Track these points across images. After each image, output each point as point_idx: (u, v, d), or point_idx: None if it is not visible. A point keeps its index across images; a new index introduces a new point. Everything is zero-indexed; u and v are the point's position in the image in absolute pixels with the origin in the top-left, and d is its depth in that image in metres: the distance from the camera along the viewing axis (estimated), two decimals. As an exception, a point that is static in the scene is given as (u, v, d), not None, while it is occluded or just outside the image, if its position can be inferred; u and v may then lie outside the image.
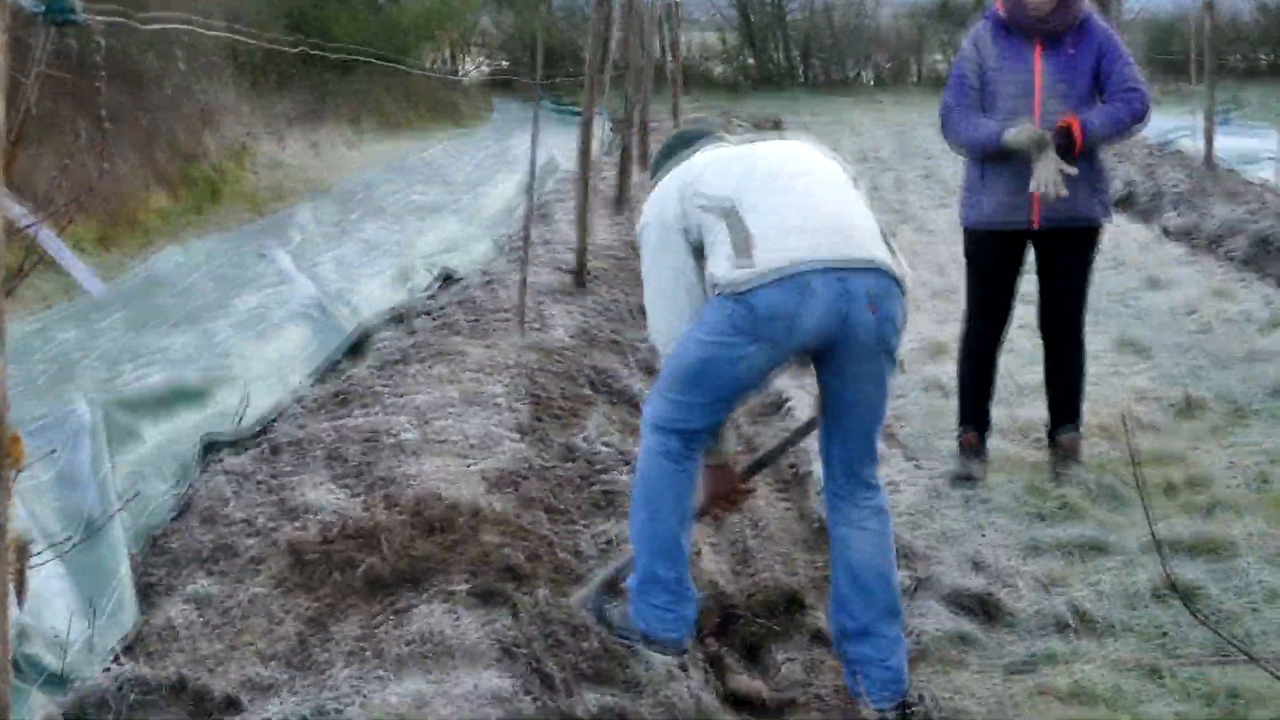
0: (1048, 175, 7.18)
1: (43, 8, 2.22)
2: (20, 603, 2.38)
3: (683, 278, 5.22)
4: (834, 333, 4.99)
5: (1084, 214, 7.56)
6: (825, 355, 5.11)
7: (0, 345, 2.16)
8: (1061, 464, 7.83)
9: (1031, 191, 7.29)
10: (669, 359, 5.21)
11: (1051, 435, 8.03)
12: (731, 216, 5.06)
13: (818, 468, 7.63)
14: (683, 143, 5.74)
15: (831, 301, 4.93)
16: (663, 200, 5.35)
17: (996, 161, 7.47)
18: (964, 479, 7.65)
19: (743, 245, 4.98)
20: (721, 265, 4.99)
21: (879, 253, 5.09)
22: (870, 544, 5.27)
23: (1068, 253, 7.68)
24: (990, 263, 7.79)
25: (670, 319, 5.25)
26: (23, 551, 2.44)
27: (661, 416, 5.17)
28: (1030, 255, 7.82)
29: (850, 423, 5.26)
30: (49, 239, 2.46)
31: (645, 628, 5.19)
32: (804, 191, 5.18)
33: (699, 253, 5.21)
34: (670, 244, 5.25)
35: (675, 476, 5.19)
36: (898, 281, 5.09)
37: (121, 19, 2.47)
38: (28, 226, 2.38)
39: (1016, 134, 7.24)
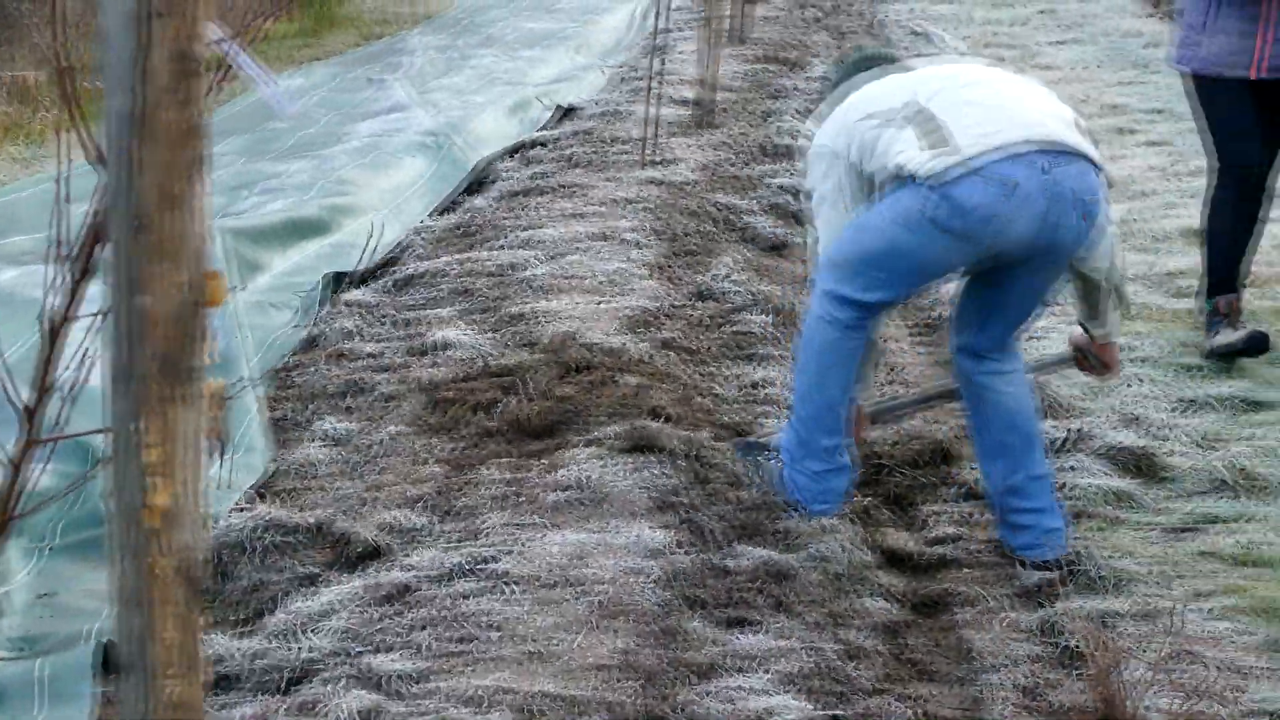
0: None
1: None
2: (220, 454, 2.27)
3: (847, 206, 5.07)
4: (1040, 243, 4.83)
5: None
6: (1015, 252, 4.91)
7: (201, 174, 2.02)
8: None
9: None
10: (849, 229, 5.01)
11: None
12: (918, 118, 4.85)
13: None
14: (861, 64, 5.54)
15: (1044, 208, 4.75)
16: (827, 133, 5.19)
17: (1231, 3, 6.88)
18: (1228, 351, 7.06)
19: (938, 137, 4.77)
20: (913, 153, 4.77)
21: (1085, 143, 4.91)
22: (1021, 391, 5.20)
23: None
24: (1222, 105, 7.10)
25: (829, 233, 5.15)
26: (219, 397, 2.31)
27: (838, 284, 4.98)
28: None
29: (1019, 309, 5.18)
30: (241, 58, 2.32)
31: (797, 494, 5.10)
32: (996, 87, 5.07)
33: (865, 180, 5.03)
34: (833, 175, 5.09)
35: (845, 345, 5.04)
36: (1098, 173, 4.92)
37: None
38: (221, 45, 2.21)
39: None
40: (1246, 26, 6.85)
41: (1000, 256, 4.90)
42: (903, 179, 4.81)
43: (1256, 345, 7.00)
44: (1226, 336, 7.06)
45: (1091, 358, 5.52)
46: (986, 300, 5.15)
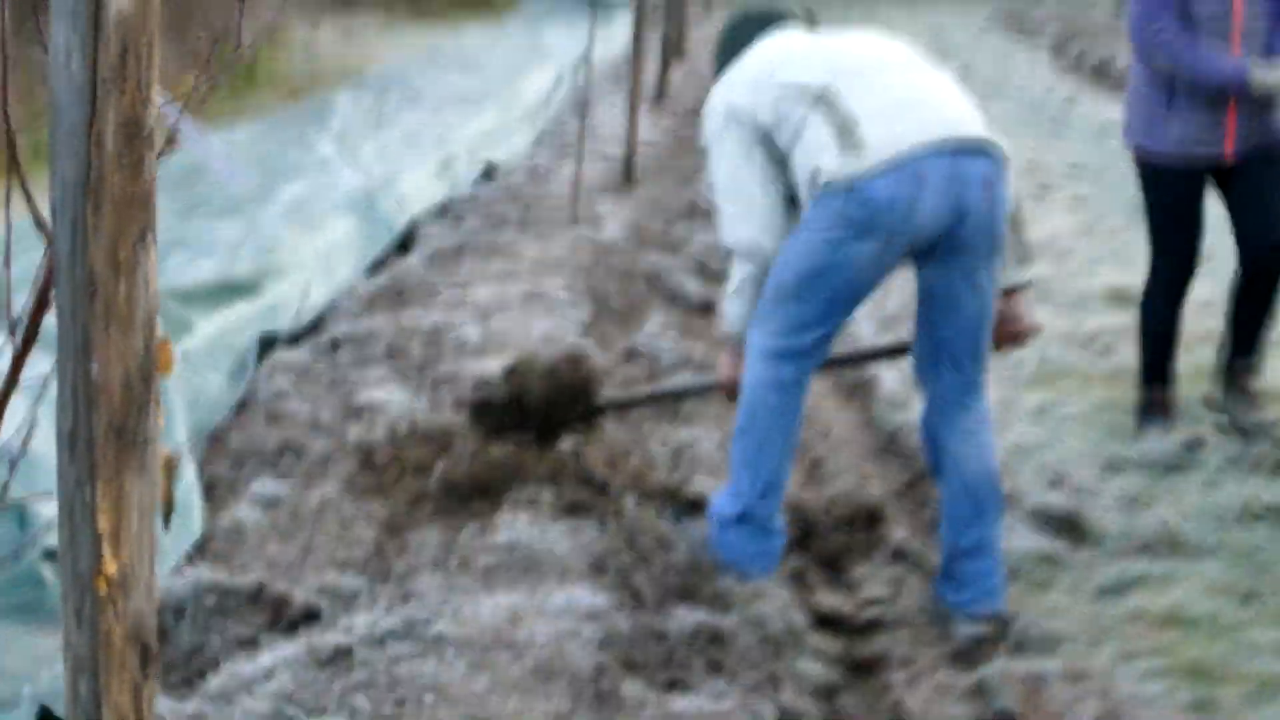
0: None
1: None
2: (166, 520, 2.26)
3: (757, 173, 5.01)
4: (948, 221, 4.80)
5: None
6: (934, 250, 4.91)
7: (151, 239, 2.02)
8: (1234, 398, 6.98)
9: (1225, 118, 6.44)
10: (773, 274, 5.02)
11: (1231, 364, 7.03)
12: (826, 102, 4.84)
13: (885, 376, 7.57)
14: (754, 24, 5.46)
15: (947, 187, 4.76)
16: (733, 91, 5.12)
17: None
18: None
19: (847, 132, 4.77)
20: (826, 157, 4.77)
21: (986, 131, 4.93)
22: (982, 453, 5.13)
23: (1269, 166, 6.55)
24: (1177, 195, 6.67)
25: (746, 218, 5.05)
26: (170, 464, 2.31)
27: (772, 338, 4.97)
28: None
29: (961, 322, 5.02)
30: (184, 126, 2.33)
31: (731, 559, 5.09)
32: (902, 72, 5.02)
33: (775, 151, 5.00)
34: (743, 139, 5.02)
35: (785, 409, 5.04)
36: (1004, 163, 4.92)
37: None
38: (167, 114, 2.22)
39: (1270, 74, 6.29)
40: (1213, 107, 6.42)
41: (917, 248, 4.90)
42: (818, 186, 4.81)
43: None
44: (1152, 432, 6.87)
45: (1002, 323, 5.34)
46: (935, 332, 5.09)
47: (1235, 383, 6.98)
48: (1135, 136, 6.80)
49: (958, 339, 5.06)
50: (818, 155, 4.81)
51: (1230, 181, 6.62)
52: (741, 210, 5.06)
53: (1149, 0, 6.42)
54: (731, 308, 5.19)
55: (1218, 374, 7.07)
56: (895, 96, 4.89)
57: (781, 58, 5.09)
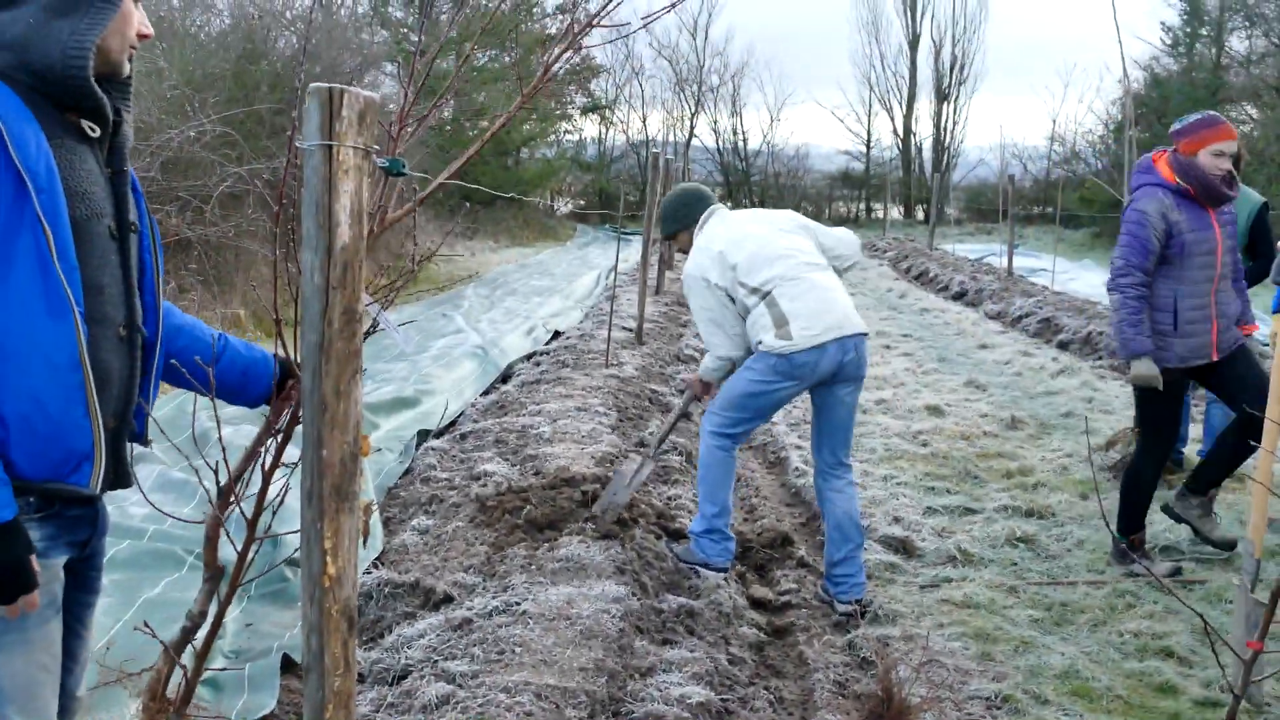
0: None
1: (387, 163, 2.10)
2: (364, 542, 2.27)
3: (725, 314, 5.00)
4: (834, 371, 4.90)
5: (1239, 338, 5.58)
6: (823, 383, 4.97)
7: (359, 378, 2.04)
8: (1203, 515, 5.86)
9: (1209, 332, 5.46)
10: (726, 390, 5.05)
11: (1203, 487, 5.83)
12: (767, 301, 4.90)
13: (793, 454, 7.54)
14: (691, 201, 5.38)
15: (837, 356, 4.88)
16: (705, 267, 5.03)
17: (1189, 309, 5.42)
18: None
19: (781, 323, 4.86)
20: (768, 336, 4.87)
21: (859, 322, 4.99)
22: (848, 502, 5.10)
23: (1238, 357, 5.54)
24: (1174, 394, 5.51)
25: (724, 342, 5.03)
26: (368, 510, 2.32)
27: (722, 428, 5.02)
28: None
29: (837, 425, 5.09)
30: (379, 313, 2.35)
31: (706, 558, 5.05)
32: (813, 284, 4.98)
33: (735, 305, 5.01)
34: (715, 296, 5.00)
35: (728, 463, 5.06)
36: (866, 337, 5.02)
37: (420, 174, 2.38)
38: (368, 305, 2.26)
39: (1142, 371, 5.33)
40: (1202, 322, 5.44)
41: (815, 386, 4.97)
42: (761, 346, 4.89)
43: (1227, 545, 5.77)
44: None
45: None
46: (822, 428, 5.11)
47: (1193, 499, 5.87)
48: (1143, 354, 5.35)
49: (835, 433, 5.10)
50: (762, 331, 4.89)
51: (1214, 372, 5.57)
52: (721, 339, 5.04)
53: (1136, 249, 5.40)
54: (710, 372, 5.18)
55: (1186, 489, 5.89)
56: (810, 305, 4.90)
57: (731, 252, 5.01)
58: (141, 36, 2.21)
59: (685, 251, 5.34)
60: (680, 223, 5.39)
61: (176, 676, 2.81)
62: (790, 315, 4.86)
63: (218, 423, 2.63)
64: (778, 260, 5.05)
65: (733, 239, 5.10)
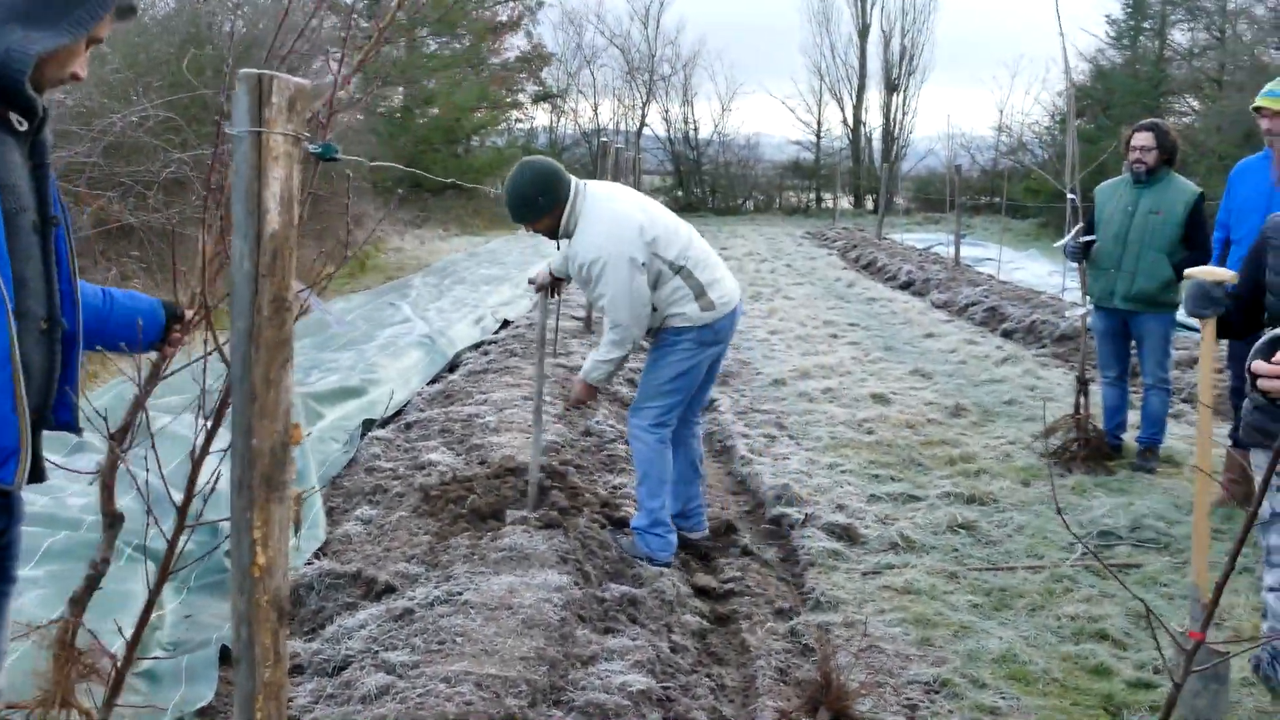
0: None
1: (319, 149, 2.09)
2: (295, 532, 2.26)
3: (641, 292, 4.88)
4: (727, 343, 5.22)
5: None
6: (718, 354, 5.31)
7: (289, 366, 2.02)
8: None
9: None
10: (651, 382, 5.10)
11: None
12: (683, 273, 5.01)
13: (739, 443, 7.56)
14: (556, 178, 4.90)
15: (735, 320, 5.19)
16: (629, 244, 4.81)
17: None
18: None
19: (700, 293, 5.03)
20: (690, 308, 5.03)
21: (739, 293, 5.30)
22: (699, 446, 5.55)
23: None
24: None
25: (633, 311, 4.87)
26: (298, 501, 2.31)
27: (659, 419, 5.08)
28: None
29: (706, 383, 5.37)
30: (310, 296, 2.34)
31: (649, 552, 5.08)
32: (708, 253, 5.18)
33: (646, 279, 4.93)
34: (635, 273, 4.83)
35: (666, 456, 5.10)
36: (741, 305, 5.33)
37: (356, 158, 2.36)
38: (301, 291, 2.24)
39: None
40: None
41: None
42: (683, 321, 5.03)
43: None
44: None
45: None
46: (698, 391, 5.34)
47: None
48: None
49: (705, 389, 5.41)
50: (682, 303, 5.00)
51: None
52: (630, 307, 4.87)
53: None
54: (597, 371, 5.10)
55: None
56: (716, 274, 5.11)
57: (649, 228, 4.90)
58: (74, 77, 2.21)
59: (552, 236, 4.95)
60: (548, 205, 4.89)
61: (129, 669, 2.78)
62: (707, 285, 5.04)
63: (141, 395, 2.60)
64: (680, 230, 5.09)
65: (647, 212, 4.98)
